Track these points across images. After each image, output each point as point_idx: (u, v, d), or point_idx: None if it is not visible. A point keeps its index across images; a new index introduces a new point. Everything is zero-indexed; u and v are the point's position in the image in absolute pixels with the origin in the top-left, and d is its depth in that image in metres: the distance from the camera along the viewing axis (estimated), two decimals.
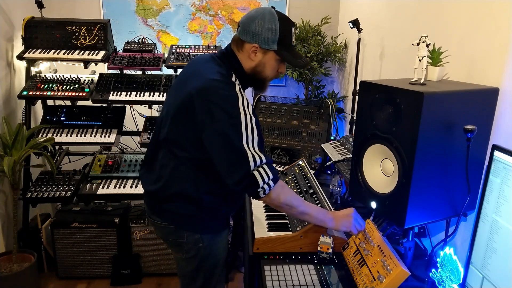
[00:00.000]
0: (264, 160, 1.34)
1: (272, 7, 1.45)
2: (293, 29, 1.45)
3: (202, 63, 1.48)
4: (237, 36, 1.45)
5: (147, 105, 2.77)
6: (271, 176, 1.35)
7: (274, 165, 2.53)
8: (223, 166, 1.35)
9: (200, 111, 1.34)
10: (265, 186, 1.34)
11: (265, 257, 1.47)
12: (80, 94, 2.67)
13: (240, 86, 1.40)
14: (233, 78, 1.41)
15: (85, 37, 2.78)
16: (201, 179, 1.44)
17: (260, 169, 1.33)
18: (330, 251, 1.45)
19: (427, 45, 1.29)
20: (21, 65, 2.83)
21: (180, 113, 1.40)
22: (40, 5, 2.74)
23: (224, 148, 1.34)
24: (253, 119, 1.35)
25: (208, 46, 3.08)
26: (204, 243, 1.51)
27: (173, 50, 2.98)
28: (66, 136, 2.67)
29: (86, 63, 2.73)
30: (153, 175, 1.52)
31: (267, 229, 1.59)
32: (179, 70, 2.86)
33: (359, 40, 2.57)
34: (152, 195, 1.54)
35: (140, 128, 2.83)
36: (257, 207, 1.78)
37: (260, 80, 1.49)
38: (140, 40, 3.03)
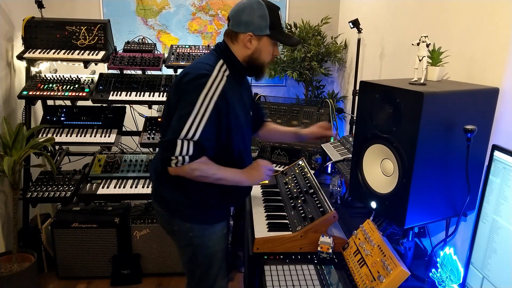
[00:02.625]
0: (196, 137, 1.37)
1: None
2: (279, 12, 1.52)
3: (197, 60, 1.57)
4: (229, 29, 1.52)
5: (147, 105, 2.78)
6: (190, 152, 1.37)
7: (274, 165, 2.54)
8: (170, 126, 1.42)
9: (173, 94, 1.47)
10: (180, 158, 1.37)
11: (265, 257, 1.47)
12: (80, 94, 2.68)
13: (227, 75, 1.46)
14: (218, 66, 1.46)
15: (85, 37, 2.78)
16: None
17: (185, 142, 1.37)
18: (330, 251, 1.45)
19: (427, 45, 1.29)
20: (21, 65, 2.83)
21: (171, 108, 1.49)
22: (40, 5, 2.74)
23: (176, 112, 1.41)
24: (211, 107, 1.38)
25: (208, 46, 3.09)
26: (194, 232, 1.56)
27: (173, 50, 2.98)
28: (66, 136, 2.67)
29: (86, 63, 2.73)
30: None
31: (267, 229, 1.59)
32: (179, 70, 2.86)
33: (359, 40, 2.57)
34: (152, 178, 1.64)
35: (140, 128, 2.83)
36: (257, 207, 1.78)
37: (258, 67, 1.56)
38: (140, 40, 3.03)
